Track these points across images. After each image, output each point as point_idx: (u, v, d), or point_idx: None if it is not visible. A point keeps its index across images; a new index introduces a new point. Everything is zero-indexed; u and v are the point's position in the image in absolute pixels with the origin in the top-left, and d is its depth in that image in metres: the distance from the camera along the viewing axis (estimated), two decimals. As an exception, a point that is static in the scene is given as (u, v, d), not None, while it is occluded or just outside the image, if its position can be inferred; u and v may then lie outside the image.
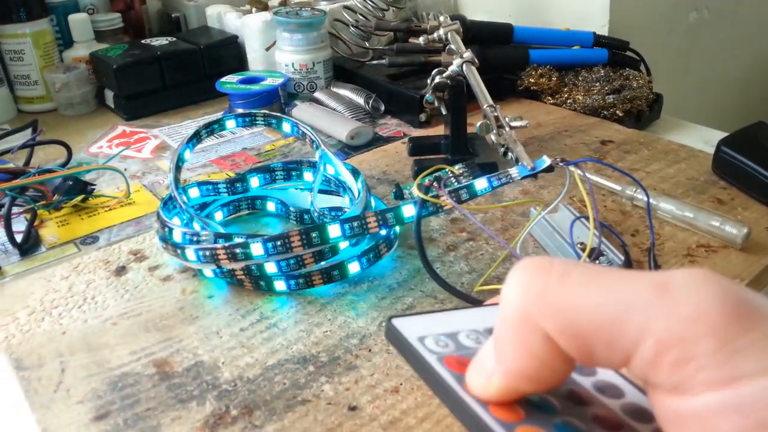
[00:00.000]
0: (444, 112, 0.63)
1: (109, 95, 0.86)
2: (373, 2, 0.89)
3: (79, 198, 0.60)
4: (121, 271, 0.50)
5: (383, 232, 0.48)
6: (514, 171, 0.45)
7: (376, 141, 0.73)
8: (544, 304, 0.18)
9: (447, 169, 0.55)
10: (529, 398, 0.19)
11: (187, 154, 0.55)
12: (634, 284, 0.17)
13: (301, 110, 0.78)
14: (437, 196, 0.44)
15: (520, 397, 0.19)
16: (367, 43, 0.91)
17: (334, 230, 0.44)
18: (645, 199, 0.51)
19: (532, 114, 0.76)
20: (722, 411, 0.15)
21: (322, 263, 0.46)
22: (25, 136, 0.72)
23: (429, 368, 0.20)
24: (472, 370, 0.20)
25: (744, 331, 0.16)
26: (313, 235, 0.43)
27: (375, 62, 0.85)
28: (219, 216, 0.56)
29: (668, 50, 1.03)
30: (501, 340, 0.19)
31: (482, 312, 0.24)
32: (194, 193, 0.55)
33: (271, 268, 0.45)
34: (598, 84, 0.77)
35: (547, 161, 0.44)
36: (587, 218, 0.47)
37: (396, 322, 0.22)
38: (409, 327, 0.22)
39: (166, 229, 0.49)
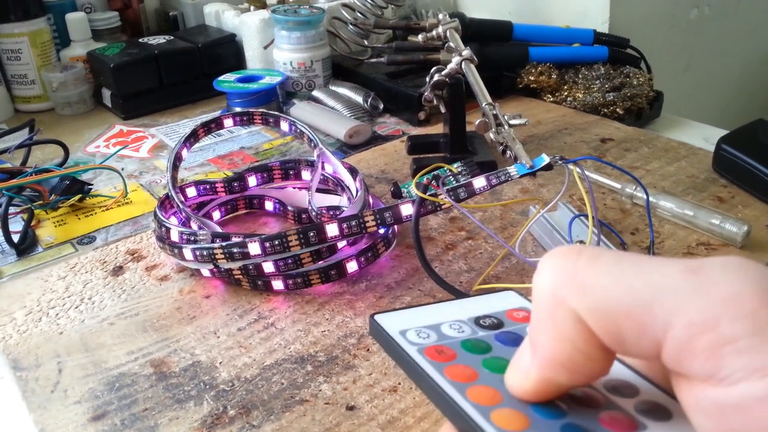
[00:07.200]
0: (443, 110, 0.63)
1: (107, 94, 0.85)
2: (371, 0, 0.89)
3: (76, 198, 0.60)
4: (118, 271, 0.50)
5: (381, 231, 0.48)
6: (513, 169, 0.45)
7: (375, 140, 0.73)
8: (574, 283, 0.17)
9: (446, 168, 0.55)
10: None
11: (185, 153, 0.55)
12: (666, 268, 0.17)
13: (300, 109, 0.78)
14: (436, 195, 0.44)
15: (559, 393, 0.19)
16: (365, 41, 0.91)
17: (332, 229, 0.43)
18: (645, 197, 0.51)
19: (532, 112, 0.76)
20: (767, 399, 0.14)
21: (320, 262, 0.46)
22: (22, 135, 0.71)
23: (409, 360, 0.20)
24: (510, 369, 0.20)
25: None
26: (311, 234, 0.43)
27: (374, 60, 0.85)
28: (216, 215, 0.56)
29: (669, 48, 1.03)
30: (534, 328, 0.18)
31: (467, 303, 0.24)
32: (191, 192, 0.54)
33: (268, 267, 0.45)
34: (598, 82, 0.76)
35: (546, 159, 0.43)
36: (586, 216, 0.47)
37: (378, 317, 0.22)
38: (392, 321, 0.21)
39: (164, 229, 0.49)
